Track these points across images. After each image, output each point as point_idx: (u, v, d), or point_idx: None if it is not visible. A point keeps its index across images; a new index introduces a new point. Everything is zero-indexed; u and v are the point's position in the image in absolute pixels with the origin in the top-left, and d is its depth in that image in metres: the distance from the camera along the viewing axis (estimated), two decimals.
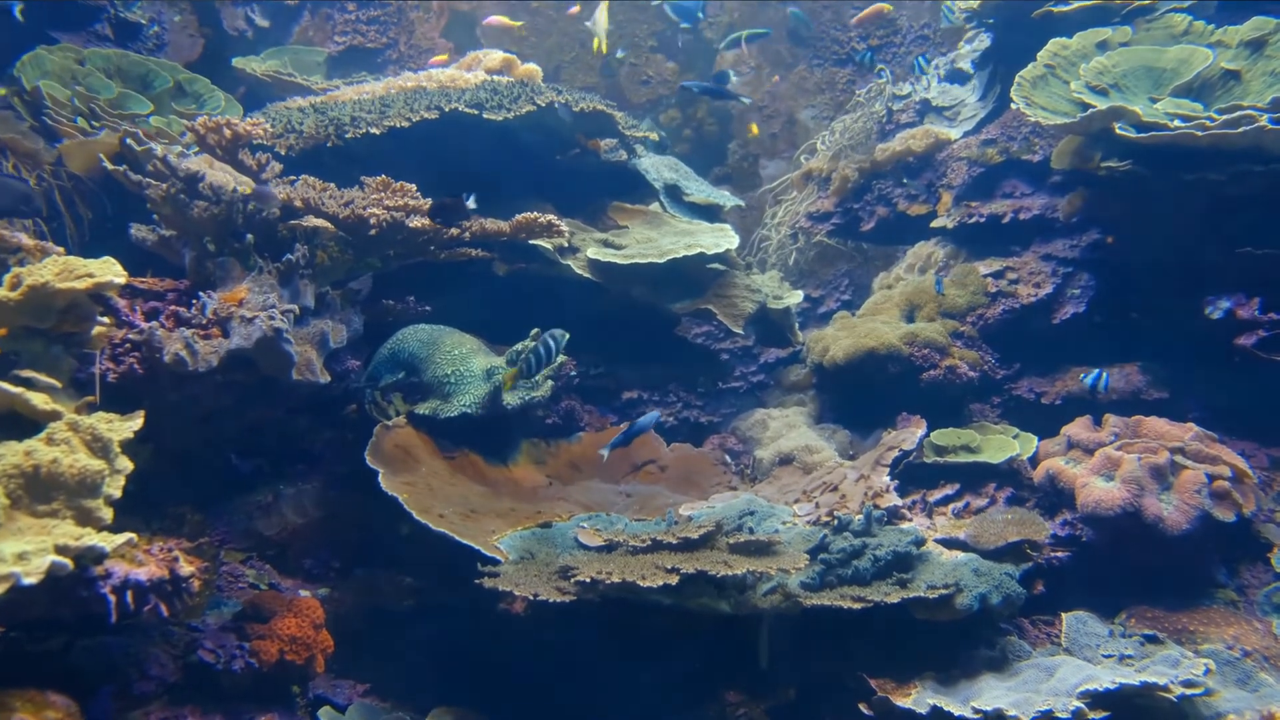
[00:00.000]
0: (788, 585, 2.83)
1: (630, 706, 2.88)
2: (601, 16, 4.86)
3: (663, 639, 2.91)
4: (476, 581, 2.72)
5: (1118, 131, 3.56)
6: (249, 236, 2.99)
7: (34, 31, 3.74)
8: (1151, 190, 3.67)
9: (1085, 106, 3.68)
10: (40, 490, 2.04)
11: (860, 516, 3.07)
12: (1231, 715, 2.62)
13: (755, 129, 5.65)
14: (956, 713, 2.53)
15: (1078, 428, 3.43)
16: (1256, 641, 2.93)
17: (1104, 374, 3.42)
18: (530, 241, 3.70)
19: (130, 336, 2.61)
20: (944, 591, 2.75)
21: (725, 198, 4.67)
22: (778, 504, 3.47)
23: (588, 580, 2.56)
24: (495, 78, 4.43)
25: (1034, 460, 3.49)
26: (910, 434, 3.64)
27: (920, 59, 5.12)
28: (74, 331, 2.38)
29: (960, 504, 3.47)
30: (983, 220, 4.28)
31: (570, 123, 4.01)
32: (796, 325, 4.41)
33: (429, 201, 3.26)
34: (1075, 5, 4.13)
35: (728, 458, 4.04)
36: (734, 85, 5.50)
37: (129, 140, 3.16)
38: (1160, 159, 3.58)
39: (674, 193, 4.51)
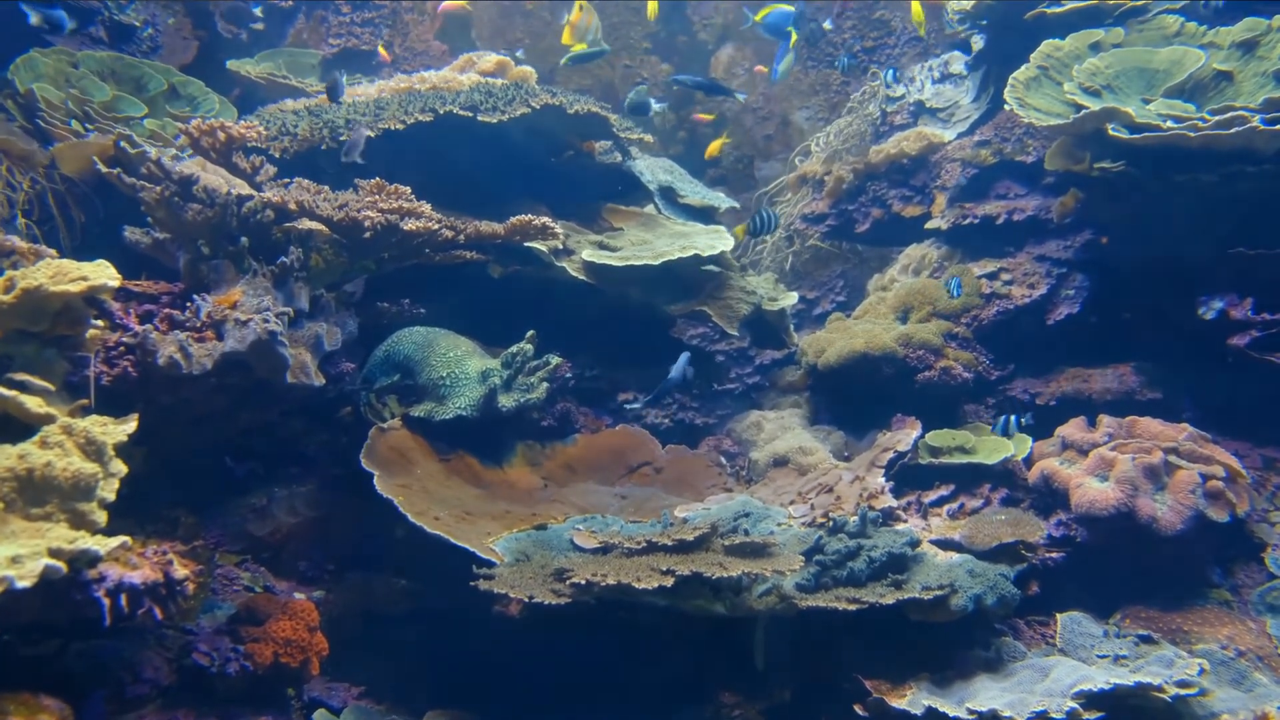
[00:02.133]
0: (783, 587, 2.84)
1: (626, 708, 2.88)
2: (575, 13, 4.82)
3: (658, 641, 2.91)
4: (471, 584, 2.72)
5: (1110, 133, 3.57)
6: (243, 239, 2.99)
7: (27, 33, 3.73)
8: (1145, 191, 3.68)
9: (1078, 108, 3.69)
10: (34, 493, 2.04)
11: (855, 518, 3.07)
12: (1225, 715, 2.62)
13: (716, 147, 5.59)
14: (951, 714, 2.54)
15: (1072, 428, 3.44)
16: (1250, 641, 2.93)
17: (1011, 417, 3.42)
18: (525, 244, 3.70)
19: (124, 340, 2.61)
20: (939, 593, 2.76)
21: (720, 199, 4.67)
22: (773, 506, 3.47)
23: (583, 582, 2.56)
24: (489, 80, 4.44)
25: (1029, 461, 3.49)
26: (905, 435, 3.64)
27: (890, 71, 5.15)
28: (68, 335, 2.38)
29: (955, 505, 3.48)
30: (976, 221, 4.29)
31: (565, 125, 4.01)
32: (791, 327, 4.41)
33: (424, 204, 3.26)
34: (1068, 7, 4.14)
35: (723, 459, 4.04)
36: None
37: (123, 143, 3.15)
38: (1153, 160, 3.59)
39: (669, 195, 4.52)
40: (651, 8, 4.96)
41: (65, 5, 3.85)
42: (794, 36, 4.56)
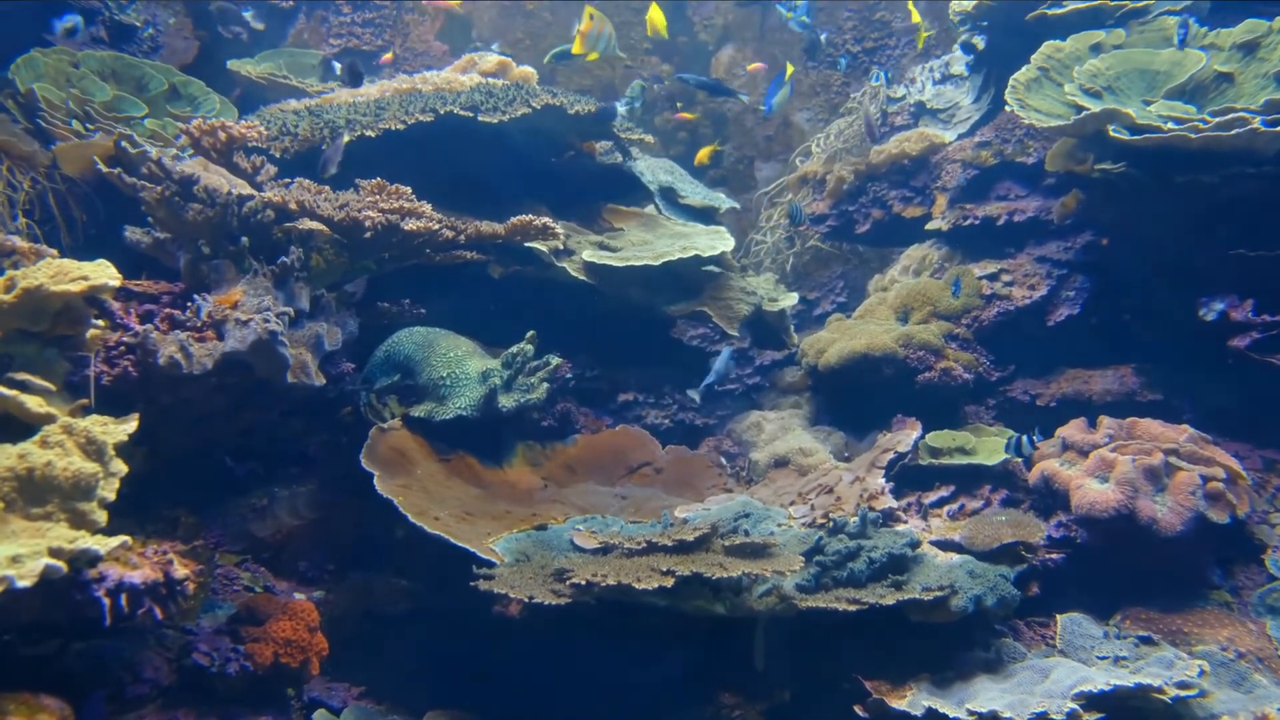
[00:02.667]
0: (783, 587, 2.83)
1: (626, 708, 2.88)
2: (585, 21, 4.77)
3: (658, 641, 2.91)
4: (472, 584, 2.72)
5: (1111, 134, 3.57)
6: (244, 239, 2.99)
7: (28, 33, 3.73)
8: (1145, 192, 3.68)
9: (1079, 109, 3.69)
10: (34, 493, 2.04)
11: (855, 519, 3.07)
12: (1225, 716, 2.62)
13: (705, 154, 5.59)
14: (951, 714, 2.54)
15: (1072, 429, 3.44)
16: (1250, 643, 2.93)
17: (1022, 437, 3.41)
18: (526, 244, 3.70)
19: (124, 339, 2.61)
20: (939, 593, 2.76)
21: (720, 200, 4.67)
22: (773, 506, 3.47)
23: (583, 583, 2.56)
24: (490, 80, 4.43)
25: (1029, 462, 3.49)
26: (905, 436, 3.64)
27: (883, 73, 5.16)
28: (68, 334, 2.38)
29: (955, 506, 3.48)
30: (977, 222, 4.29)
31: (566, 126, 4.00)
32: (792, 327, 4.41)
33: (425, 204, 3.26)
34: (1069, 8, 4.14)
35: (723, 460, 4.04)
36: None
37: (123, 143, 3.15)
38: (1154, 161, 3.58)
39: (669, 195, 4.52)
40: (658, 20, 4.89)
41: (67, 5, 3.86)
42: (790, 69, 4.57)
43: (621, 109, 3.89)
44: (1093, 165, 3.80)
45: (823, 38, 5.53)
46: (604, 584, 2.54)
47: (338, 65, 3.88)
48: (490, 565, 2.83)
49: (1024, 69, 3.99)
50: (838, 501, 3.39)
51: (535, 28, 6.30)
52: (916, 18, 4.77)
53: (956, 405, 3.94)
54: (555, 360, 3.54)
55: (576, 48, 4.16)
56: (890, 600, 2.74)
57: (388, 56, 5.48)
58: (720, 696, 2.85)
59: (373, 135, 3.57)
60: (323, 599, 3.11)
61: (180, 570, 2.28)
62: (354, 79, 3.75)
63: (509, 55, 5.14)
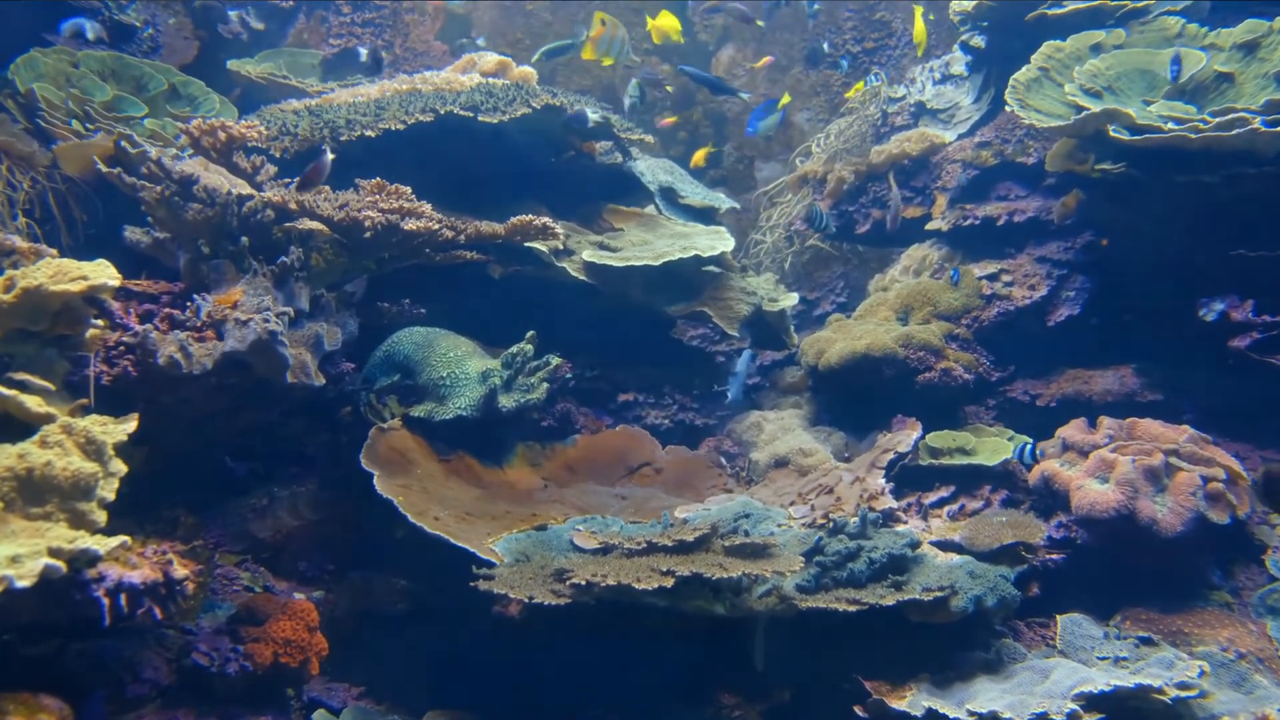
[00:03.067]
0: (783, 588, 2.83)
1: (625, 708, 2.88)
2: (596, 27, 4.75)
3: (658, 641, 2.91)
4: (471, 584, 2.72)
5: (1111, 134, 3.57)
6: (243, 239, 2.98)
7: (28, 33, 3.73)
8: (1145, 192, 3.68)
9: (1079, 109, 3.69)
10: (33, 493, 2.04)
11: (855, 519, 3.07)
12: (1225, 717, 2.62)
13: (701, 156, 5.58)
14: (951, 715, 2.54)
15: (1072, 430, 3.44)
16: (1251, 644, 2.93)
17: (1027, 445, 3.40)
18: (525, 244, 3.70)
19: (124, 339, 2.61)
20: (939, 594, 2.75)
21: (720, 200, 4.67)
22: (773, 506, 3.47)
23: (583, 583, 2.56)
24: (490, 80, 4.43)
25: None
26: (905, 436, 3.64)
27: (874, 76, 5.17)
28: (68, 334, 2.37)
29: (955, 506, 3.48)
30: (977, 223, 4.29)
31: (565, 126, 3.99)
32: (792, 328, 4.41)
33: (425, 204, 3.26)
34: (1069, 8, 4.15)
35: (723, 460, 4.04)
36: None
37: (123, 143, 3.15)
38: (1154, 161, 3.59)
39: (669, 195, 4.52)
40: (670, 25, 4.83)
41: (67, 5, 3.86)
42: (785, 98, 4.61)
43: (593, 116, 3.88)
44: (1093, 165, 3.80)
45: (826, 46, 5.56)
46: (604, 584, 2.54)
47: (363, 51, 4.03)
48: (490, 565, 2.83)
49: (1024, 69, 3.99)
50: (838, 502, 3.39)
51: (535, 27, 6.30)
52: (921, 35, 4.77)
53: (956, 405, 3.93)
54: (555, 360, 3.54)
55: (587, 54, 4.13)
56: (890, 601, 2.73)
57: (384, 56, 5.48)
58: (720, 696, 2.85)
59: (373, 135, 3.57)
60: (322, 599, 3.11)
61: (180, 570, 2.27)
62: (377, 66, 3.85)
63: (509, 55, 5.13)
